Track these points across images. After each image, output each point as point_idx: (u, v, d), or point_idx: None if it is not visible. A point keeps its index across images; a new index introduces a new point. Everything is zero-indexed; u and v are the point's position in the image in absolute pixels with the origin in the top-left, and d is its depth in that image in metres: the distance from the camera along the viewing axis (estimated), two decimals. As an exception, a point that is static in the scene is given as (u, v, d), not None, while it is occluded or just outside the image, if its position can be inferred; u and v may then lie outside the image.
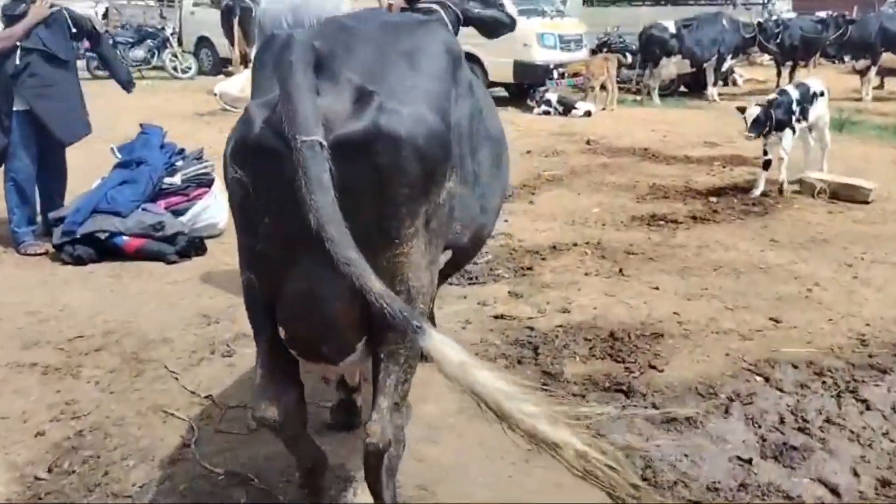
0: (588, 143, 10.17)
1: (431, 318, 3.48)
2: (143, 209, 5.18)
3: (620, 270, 5.19)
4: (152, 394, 3.52)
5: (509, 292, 4.81)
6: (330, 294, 1.93)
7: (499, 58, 12.65)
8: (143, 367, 3.74)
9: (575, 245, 5.79)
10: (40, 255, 5.29)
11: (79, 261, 5.02)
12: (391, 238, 1.91)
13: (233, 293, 4.64)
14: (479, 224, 2.53)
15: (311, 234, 1.72)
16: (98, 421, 3.28)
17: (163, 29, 17.42)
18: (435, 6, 3.47)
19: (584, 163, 8.87)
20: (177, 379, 3.63)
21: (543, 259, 5.50)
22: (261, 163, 1.87)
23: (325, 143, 1.69)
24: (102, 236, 4.99)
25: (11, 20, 5.06)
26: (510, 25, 3.88)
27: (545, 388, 3.57)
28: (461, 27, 3.65)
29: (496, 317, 4.43)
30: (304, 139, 1.68)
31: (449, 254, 2.38)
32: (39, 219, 5.50)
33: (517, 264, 5.35)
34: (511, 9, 4.12)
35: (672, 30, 13.34)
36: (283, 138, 1.76)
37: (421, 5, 3.49)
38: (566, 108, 12.23)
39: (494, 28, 3.86)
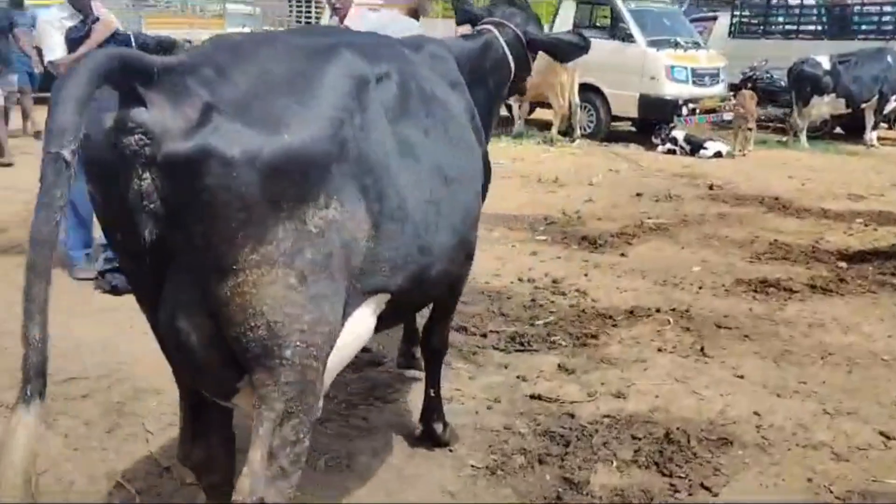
0: (711, 187, 9.20)
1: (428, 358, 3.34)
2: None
3: (702, 349, 4.37)
4: (116, 456, 3.16)
5: (559, 365, 4.13)
6: (191, 324, 1.82)
7: (623, 90, 11.88)
8: (121, 423, 3.40)
9: (657, 311, 5.00)
10: (91, 279, 5.16)
11: (115, 290, 4.84)
12: (228, 264, 1.74)
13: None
14: (420, 265, 2.30)
15: (165, 253, 1.75)
16: (44, 484, 2.93)
17: None
18: (489, 26, 3.35)
19: (698, 211, 7.95)
20: (147, 441, 3.26)
21: (614, 326, 4.76)
22: (95, 177, 1.80)
23: (68, 158, 1.49)
24: (139, 266, 4.78)
25: (74, 44, 5.01)
26: (584, 48, 3.51)
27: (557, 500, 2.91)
28: (531, 51, 3.43)
29: (533, 396, 3.77)
30: (48, 150, 1.49)
31: (384, 296, 2.22)
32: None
33: (581, 330, 4.65)
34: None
35: (826, 66, 12.01)
36: (113, 150, 1.66)
37: (480, 27, 3.39)
38: (694, 147, 11.24)
39: (566, 51, 3.55)
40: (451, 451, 3.31)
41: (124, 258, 1.92)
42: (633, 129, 13.09)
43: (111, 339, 4.23)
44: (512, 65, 3.33)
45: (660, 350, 4.39)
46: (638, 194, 8.67)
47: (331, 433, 3.38)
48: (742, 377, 4.05)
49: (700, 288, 5.52)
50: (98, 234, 5.26)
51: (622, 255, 6.33)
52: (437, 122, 2.46)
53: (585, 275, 5.75)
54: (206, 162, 1.65)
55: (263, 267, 1.76)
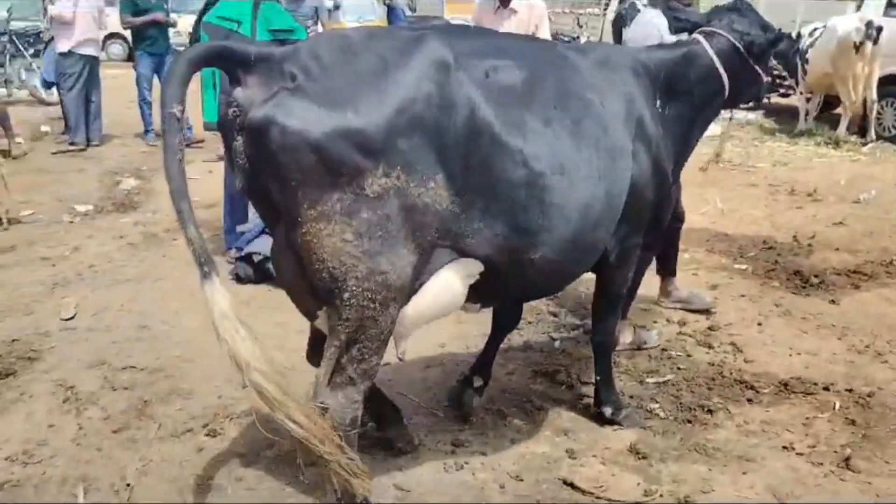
0: None
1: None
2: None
3: (848, 459, 3.19)
4: (101, 461, 3.12)
5: (631, 445, 3.29)
6: (282, 258, 2.44)
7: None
8: (130, 426, 3.38)
9: (826, 389, 3.80)
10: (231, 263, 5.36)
11: (237, 279, 4.95)
12: (293, 216, 2.21)
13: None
14: (515, 244, 2.54)
15: (269, 201, 2.31)
16: (25, 477, 3.02)
17: None
18: (698, 36, 3.36)
19: None
20: (142, 449, 3.21)
21: (750, 401, 3.70)
22: (222, 134, 2.32)
23: (178, 115, 2.07)
24: (256, 259, 4.84)
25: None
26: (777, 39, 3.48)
27: None
28: (757, 59, 3.40)
29: (566, 483, 3.03)
30: (166, 111, 2.08)
31: (474, 264, 2.53)
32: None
33: (699, 399, 3.68)
34: None
35: None
36: (225, 118, 2.24)
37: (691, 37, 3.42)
38: None
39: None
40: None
41: (254, 203, 2.54)
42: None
43: (190, 330, 4.30)
44: (724, 77, 3.28)
45: (786, 448, 3.29)
46: (913, 220, 6.83)
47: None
48: (883, 515, 2.86)
49: (910, 365, 4.10)
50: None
51: (832, 301, 4.97)
52: (567, 117, 2.62)
53: (760, 324, 4.60)
54: (268, 129, 2.10)
55: (321, 222, 2.17)
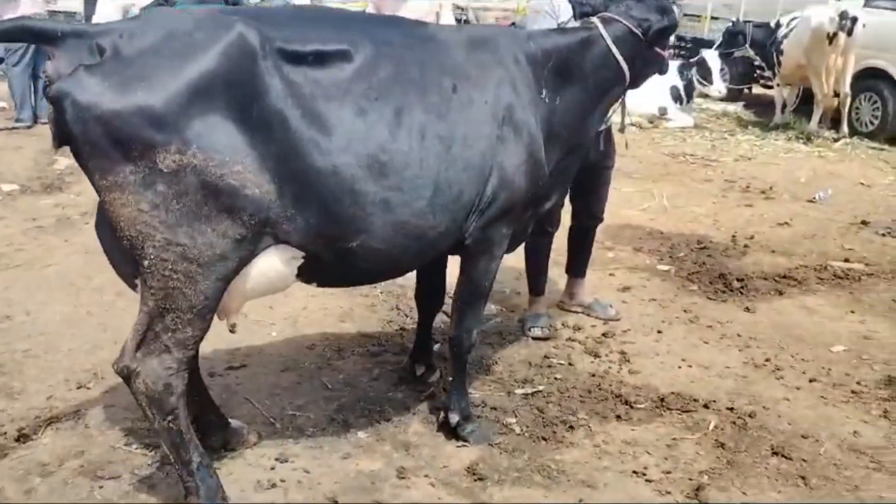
0: None
1: None
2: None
3: (698, 490, 2.94)
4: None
5: (471, 465, 3.05)
6: (103, 230, 2.54)
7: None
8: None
9: (705, 406, 3.55)
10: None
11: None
12: (95, 183, 2.27)
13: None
14: (334, 233, 2.54)
15: None
16: None
17: None
18: (596, 21, 3.22)
19: (932, 259, 5.70)
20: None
21: (620, 417, 3.45)
22: None
23: None
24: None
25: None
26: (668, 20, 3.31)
27: None
28: (656, 43, 3.29)
29: (384, 505, 2.80)
30: None
31: (293, 250, 2.56)
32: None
33: (565, 414, 3.43)
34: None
35: None
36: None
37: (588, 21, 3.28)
38: None
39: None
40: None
41: None
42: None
43: (57, 324, 4.09)
44: (623, 64, 3.18)
45: (636, 473, 3.05)
46: (863, 223, 6.53)
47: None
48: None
49: (811, 381, 3.83)
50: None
51: (746, 309, 4.70)
52: (389, 105, 2.57)
53: (660, 332, 4.34)
54: (62, 102, 2.15)
55: (115, 192, 2.23)
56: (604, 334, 4.26)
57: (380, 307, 4.51)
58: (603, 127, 3.85)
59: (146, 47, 2.24)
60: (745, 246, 5.88)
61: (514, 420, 3.39)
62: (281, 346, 3.98)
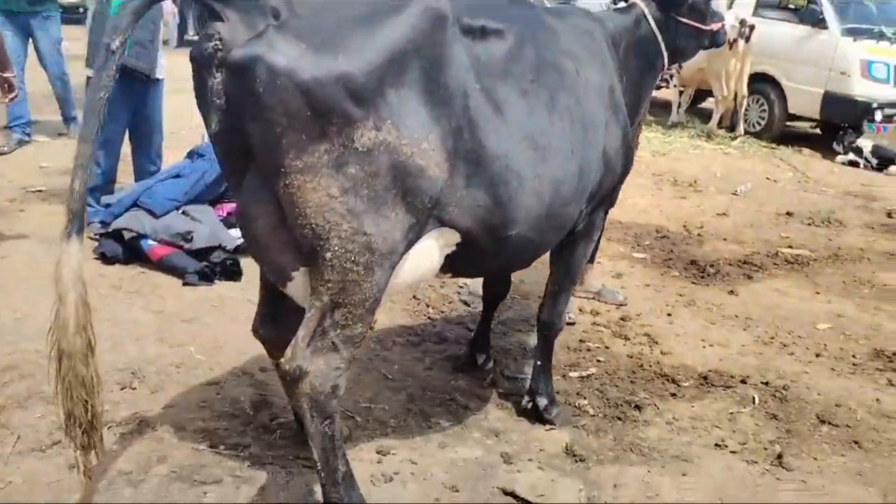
0: (889, 215, 7.43)
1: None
2: (183, 212, 4.32)
3: (780, 457, 3.13)
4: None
5: (567, 446, 3.08)
6: (257, 212, 2.16)
7: (804, 85, 10.02)
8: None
9: (743, 382, 3.76)
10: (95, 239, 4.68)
11: (104, 258, 4.32)
12: (276, 165, 1.99)
13: (206, 345, 3.58)
14: (494, 216, 2.39)
15: (240, 147, 2.06)
16: None
17: None
18: (638, 1, 3.26)
19: (859, 245, 6.34)
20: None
21: (674, 395, 3.60)
22: (192, 72, 2.08)
23: (114, 48, 1.87)
24: (127, 236, 4.23)
25: None
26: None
27: None
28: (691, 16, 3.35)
29: (507, 493, 2.77)
30: (104, 41, 1.88)
31: (452, 234, 2.37)
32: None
33: (625, 395, 3.54)
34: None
35: None
36: (202, 53, 1.99)
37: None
38: (882, 161, 9.28)
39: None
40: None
41: (216, 147, 2.19)
42: (818, 131, 11.12)
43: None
44: (662, 44, 3.22)
45: (717, 446, 3.20)
46: (788, 213, 7.12)
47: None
48: (825, 516, 2.81)
49: (817, 355, 4.16)
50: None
51: (731, 292, 5.01)
52: (543, 88, 2.51)
53: (669, 314, 4.55)
54: (254, 68, 1.89)
55: (307, 174, 1.98)
56: (622, 318, 4.41)
57: (396, 297, 4.41)
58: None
59: (328, 8, 2.05)
60: (699, 235, 6.26)
61: (584, 402, 3.44)
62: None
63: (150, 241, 4.21)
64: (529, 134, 2.44)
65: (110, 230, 4.31)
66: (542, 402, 3.21)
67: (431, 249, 2.39)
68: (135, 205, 4.34)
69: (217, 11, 1.97)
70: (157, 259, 4.19)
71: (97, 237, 4.49)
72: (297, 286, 2.25)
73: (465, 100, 2.24)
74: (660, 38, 3.26)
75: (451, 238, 2.41)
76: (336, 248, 2.07)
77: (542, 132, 2.48)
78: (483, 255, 2.53)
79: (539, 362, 3.25)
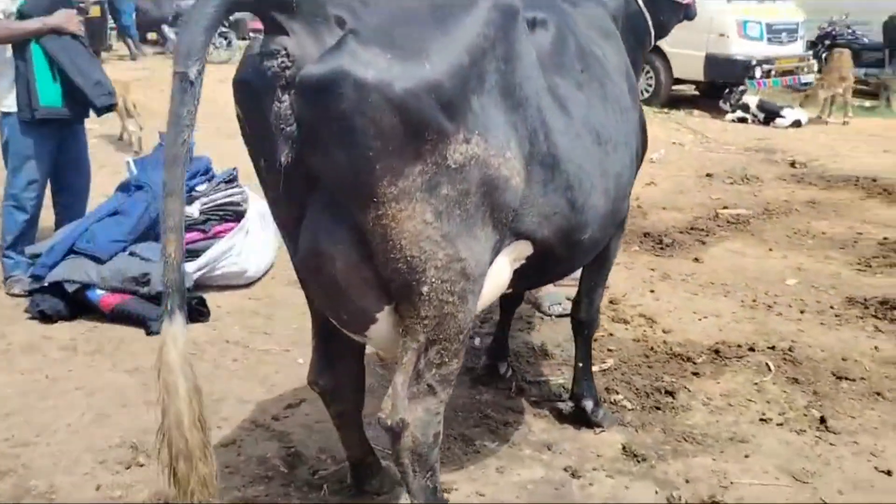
0: (793, 165, 7.83)
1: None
2: (132, 253, 3.82)
3: (823, 420, 3.12)
4: None
5: (624, 447, 2.94)
6: (333, 251, 1.86)
7: (686, 49, 10.38)
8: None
9: (751, 349, 3.76)
10: (25, 296, 4.07)
11: (44, 317, 3.76)
12: (368, 195, 1.73)
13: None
14: (569, 221, 2.19)
15: (307, 179, 1.79)
16: None
17: None
18: None
19: (782, 197, 6.61)
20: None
21: (695, 374, 3.54)
22: (243, 98, 1.82)
23: (193, 77, 1.53)
24: (70, 288, 3.69)
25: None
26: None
27: None
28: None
29: (587, 508, 2.60)
30: (176, 70, 1.55)
31: (526, 246, 2.15)
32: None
33: (651, 382, 3.44)
34: None
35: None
36: (258, 73, 1.71)
37: None
38: (768, 115, 9.79)
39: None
40: None
41: (267, 186, 1.92)
42: (697, 93, 11.60)
43: (8, 399, 3.14)
44: (650, 21, 3.14)
45: (763, 420, 3.16)
46: (708, 175, 7.35)
47: None
48: (891, 474, 2.81)
49: (802, 312, 4.25)
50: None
51: (696, 259, 5.06)
52: (593, 79, 2.36)
53: (652, 291, 4.51)
54: (339, 85, 1.63)
55: (402, 201, 1.74)
56: (611, 301, 4.32)
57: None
58: None
59: (393, 9, 1.77)
60: (639, 206, 6.30)
61: (620, 396, 3.32)
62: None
63: (99, 291, 3.68)
64: (593, 129, 2.27)
65: (46, 283, 3.74)
66: (589, 405, 3.05)
67: (503, 266, 2.15)
68: (71, 251, 3.78)
69: (280, 24, 1.68)
70: (110, 309, 3.67)
71: (27, 293, 3.90)
72: (381, 329, 1.97)
73: (538, 99, 2.03)
74: (647, 14, 3.17)
75: (524, 251, 2.19)
76: (433, 280, 1.84)
77: (603, 125, 2.32)
78: (553, 264, 2.35)
79: (581, 364, 3.08)
